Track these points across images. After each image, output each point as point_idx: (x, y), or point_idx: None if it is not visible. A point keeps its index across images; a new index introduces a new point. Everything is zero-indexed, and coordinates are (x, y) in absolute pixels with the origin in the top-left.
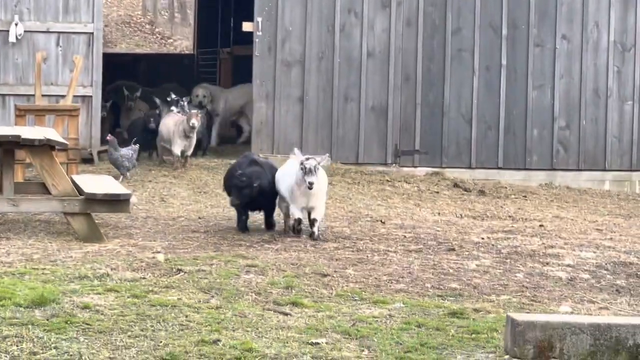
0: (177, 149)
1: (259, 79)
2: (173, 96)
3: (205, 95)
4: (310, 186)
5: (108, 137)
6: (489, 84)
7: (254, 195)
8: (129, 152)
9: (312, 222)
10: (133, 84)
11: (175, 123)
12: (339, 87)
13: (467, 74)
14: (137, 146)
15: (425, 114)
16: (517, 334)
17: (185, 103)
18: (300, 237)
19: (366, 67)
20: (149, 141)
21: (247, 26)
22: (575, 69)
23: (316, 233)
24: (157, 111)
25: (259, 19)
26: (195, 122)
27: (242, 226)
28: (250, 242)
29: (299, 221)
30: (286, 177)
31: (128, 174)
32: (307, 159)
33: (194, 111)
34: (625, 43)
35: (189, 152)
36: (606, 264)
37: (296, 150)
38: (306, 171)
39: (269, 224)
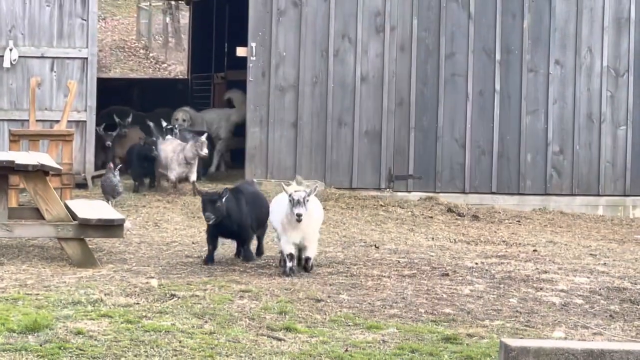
0: (173, 176)
1: (253, 103)
2: (167, 125)
3: (185, 119)
4: (298, 218)
5: (109, 165)
6: (483, 108)
7: (220, 216)
8: (118, 179)
9: (305, 260)
10: (126, 109)
11: (173, 150)
12: (332, 112)
13: (461, 98)
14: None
15: (419, 138)
16: (511, 359)
17: (178, 131)
18: (292, 277)
19: (360, 92)
20: (147, 168)
21: (241, 51)
22: (568, 94)
23: (309, 270)
24: (155, 138)
25: (253, 44)
26: (206, 151)
27: (208, 257)
28: (244, 267)
29: (290, 257)
30: (279, 208)
31: (115, 200)
32: (296, 190)
33: (203, 140)
34: (619, 68)
35: (194, 178)
36: (600, 289)
37: (298, 177)
38: (294, 202)
39: (242, 252)
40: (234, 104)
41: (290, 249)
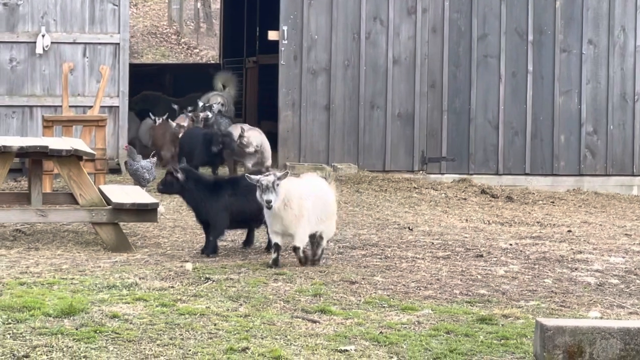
0: (249, 162)
1: (285, 87)
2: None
3: (223, 104)
4: (268, 205)
5: (125, 147)
6: (516, 89)
7: (168, 190)
8: (148, 164)
9: (293, 250)
10: (158, 94)
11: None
12: (365, 95)
13: (493, 80)
14: (155, 159)
15: (451, 120)
16: (547, 339)
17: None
18: (277, 268)
19: (392, 75)
20: (214, 157)
21: (272, 35)
22: (602, 74)
23: (301, 260)
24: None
25: (285, 28)
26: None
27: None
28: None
29: (275, 247)
30: None
31: (146, 187)
32: (267, 175)
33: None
34: None
35: (269, 163)
36: (635, 269)
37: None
38: (263, 188)
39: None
40: (226, 86)
41: (275, 238)
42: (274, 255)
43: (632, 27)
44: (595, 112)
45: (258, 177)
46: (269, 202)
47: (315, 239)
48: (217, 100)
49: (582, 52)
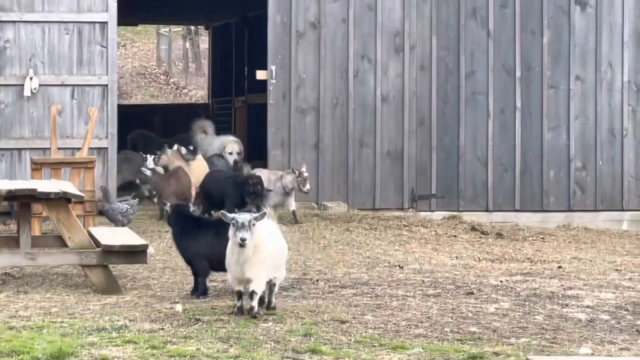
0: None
1: (274, 126)
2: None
3: (240, 152)
4: (242, 243)
5: (100, 187)
6: (504, 126)
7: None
8: (123, 206)
9: (250, 295)
10: (151, 134)
11: (268, 179)
12: (353, 133)
13: (482, 116)
14: (135, 201)
15: (441, 157)
16: None
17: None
18: (241, 317)
19: (381, 112)
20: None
21: (260, 74)
22: (590, 110)
23: (255, 309)
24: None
25: (273, 67)
26: (308, 187)
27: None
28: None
29: (238, 295)
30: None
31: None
32: (242, 213)
33: (306, 174)
34: (639, 82)
35: (293, 207)
36: (626, 304)
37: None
38: (238, 226)
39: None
40: (206, 132)
41: (236, 285)
42: (238, 304)
43: (618, 62)
44: (584, 147)
45: (233, 215)
46: (243, 240)
47: (269, 286)
48: (234, 148)
49: (569, 88)
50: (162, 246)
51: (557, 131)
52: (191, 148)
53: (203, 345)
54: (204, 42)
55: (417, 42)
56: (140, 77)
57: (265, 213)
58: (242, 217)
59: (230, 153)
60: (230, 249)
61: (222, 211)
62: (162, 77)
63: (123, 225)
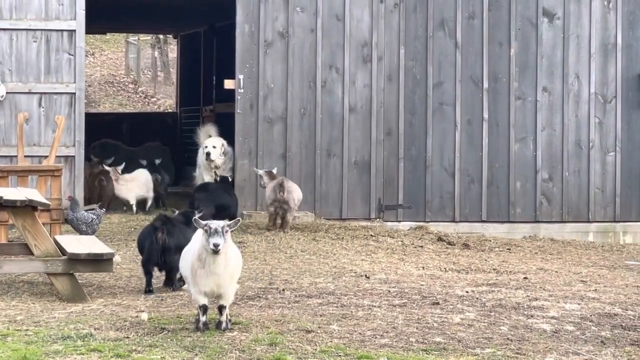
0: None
1: (242, 136)
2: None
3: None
4: (215, 249)
5: (67, 197)
6: (471, 137)
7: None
8: (89, 215)
9: (219, 309)
10: (118, 143)
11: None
12: (321, 143)
13: (449, 127)
14: (102, 211)
15: (408, 168)
16: None
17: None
18: (204, 333)
19: (348, 122)
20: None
21: (228, 84)
22: (556, 121)
23: (224, 324)
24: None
25: (241, 77)
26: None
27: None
28: (233, 299)
29: (202, 309)
30: (189, 253)
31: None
32: (214, 221)
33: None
34: (606, 94)
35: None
36: (591, 315)
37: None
38: (211, 232)
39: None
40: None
41: (202, 299)
42: (203, 319)
43: (585, 74)
44: (551, 159)
45: (206, 221)
46: (216, 245)
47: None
48: (210, 142)
49: (537, 100)
50: (128, 255)
51: (524, 142)
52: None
53: (168, 354)
54: (172, 50)
55: (385, 52)
56: (109, 86)
57: (239, 221)
58: (216, 223)
59: (205, 146)
60: (199, 258)
61: (195, 217)
62: (130, 85)
63: (87, 233)
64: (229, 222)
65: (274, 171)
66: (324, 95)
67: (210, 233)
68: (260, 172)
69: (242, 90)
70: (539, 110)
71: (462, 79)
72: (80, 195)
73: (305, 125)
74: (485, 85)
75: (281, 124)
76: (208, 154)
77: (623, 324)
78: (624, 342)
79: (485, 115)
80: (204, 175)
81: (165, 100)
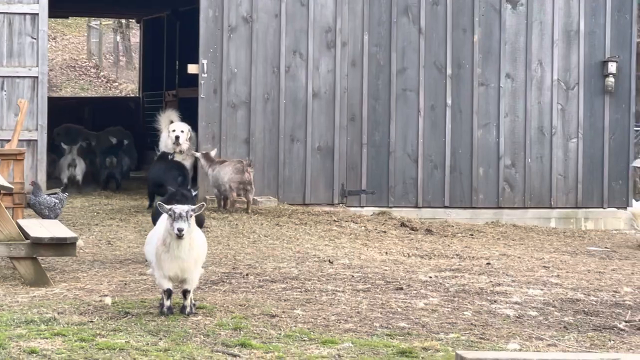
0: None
1: (205, 121)
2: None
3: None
4: (179, 234)
5: (30, 182)
6: (435, 123)
7: None
8: (51, 200)
9: (184, 294)
10: (80, 127)
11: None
12: (284, 128)
13: (413, 113)
14: (65, 195)
15: (371, 153)
16: None
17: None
18: (168, 317)
19: (312, 108)
20: None
21: (192, 68)
22: (519, 108)
23: (188, 308)
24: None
25: (204, 61)
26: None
27: None
28: (198, 283)
29: (167, 294)
30: (154, 237)
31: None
32: (178, 205)
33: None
34: (569, 81)
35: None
36: (553, 301)
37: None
38: (175, 217)
39: None
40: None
41: (166, 284)
42: (168, 303)
43: (548, 61)
44: (514, 145)
45: (170, 205)
46: (180, 230)
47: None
48: (178, 127)
49: (500, 86)
50: (91, 239)
51: (487, 129)
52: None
53: (132, 338)
54: (134, 35)
55: (349, 38)
56: (71, 70)
57: (203, 205)
58: (180, 207)
59: (173, 130)
60: (163, 243)
61: (158, 202)
62: (92, 70)
63: (50, 218)
64: (193, 207)
65: (212, 154)
66: (287, 80)
67: (174, 218)
68: (198, 154)
69: (205, 75)
70: (502, 97)
71: (426, 65)
72: (42, 179)
73: (268, 110)
74: (449, 71)
75: (245, 109)
76: (177, 138)
77: (585, 310)
78: (586, 328)
79: (449, 102)
80: None
81: (127, 84)
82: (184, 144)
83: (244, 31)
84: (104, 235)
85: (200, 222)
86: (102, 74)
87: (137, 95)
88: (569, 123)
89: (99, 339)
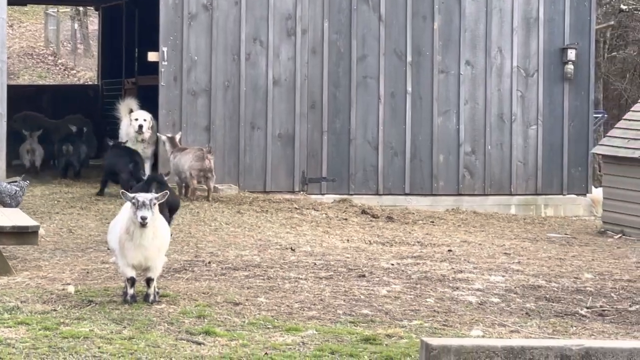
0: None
1: (165, 108)
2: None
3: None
4: (142, 222)
5: None
6: (395, 110)
7: None
8: (12, 188)
9: (147, 282)
10: (40, 116)
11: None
12: (245, 116)
13: (373, 100)
14: (25, 182)
15: (332, 141)
16: (432, 358)
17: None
18: (131, 305)
19: (272, 96)
20: None
21: (152, 56)
22: (479, 95)
23: (152, 296)
24: None
25: (164, 49)
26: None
27: None
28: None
29: (131, 282)
30: (117, 225)
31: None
32: (142, 193)
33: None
34: (528, 68)
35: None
36: (515, 287)
37: None
38: (138, 205)
39: None
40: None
41: (130, 272)
42: (131, 291)
43: (508, 48)
44: (474, 132)
45: (134, 194)
46: (144, 218)
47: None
48: (141, 115)
49: (460, 73)
50: (52, 227)
51: (447, 116)
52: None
53: (96, 327)
54: (92, 23)
55: (309, 25)
56: (28, 58)
57: (167, 193)
58: (144, 196)
59: (136, 119)
60: (127, 231)
61: (122, 190)
62: (50, 57)
63: (10, 205)
64: (156, 195)
65: (177, 137)
66: (248, 68)
67: (138, 206)
68: (163, 137)
69: (166, 63)
70: (462, 84)
71: (386, 53)
72: (2, 166)
73: (229, 98)
74: (409, 58)
75: (205, 96)
76: (140, 127)
77: (547, 296)
78: (548, 314)
79: (409, 89)
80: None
81: (86, 72)
82: (147, 133)
83: (204, 18)
84: (65, 224)
85: (175, 207)
86: (59, 61)
87: (96, 83)
88: (528, 110)
89: (62, 327)
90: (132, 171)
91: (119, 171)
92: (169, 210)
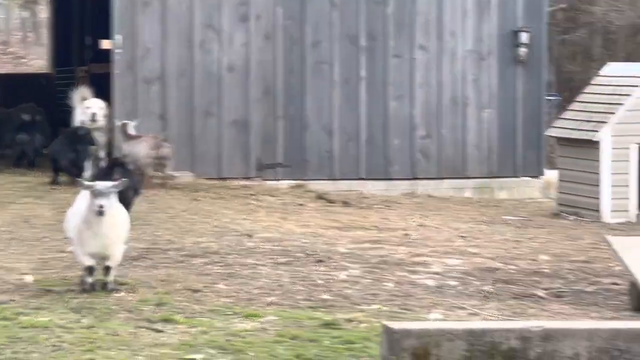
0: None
1: (119, 96)
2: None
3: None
4: (100, 210)
5: None
6: (349, 95)
7: None
8: None
9: (106, 270)
10: None
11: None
12: (199, 103)
13: (327, 86)
14: None
15: (286, 127)
16: (394, 342)
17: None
18: (90, 294)
19: (226, 82)
20: None
21: (105, 44)
22: (433, 79)
23: (111, 284)
24: None
25: (118, 37)
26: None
27: None
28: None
29: (89, 270)
30: (75, 214)
31: None
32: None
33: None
34: (482, 51)
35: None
36: (473, 270)
37: None
38: (96, 193)
39: None
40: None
41: (88, 261)
42: (90, 280)
43: (460, 32)
44: (428, 116)
45: (92, 182)
46: (101, 207)
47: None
48: (93, 103)
49: (413, 57)
50: (7, 217)
51: (401, 100)
52: None
53: (56, 316)
54: (42, 11)
55: (263, 11)
56: None
57: (125, 181)
58: (102, 184)
59: (89, 107)
60: (85, 220)
61: (79, 179)
62: None
63: None
64: (115, 183)
65: (132, 125)
66: (201, 54)
67: (95, 194)
68: (118, 124)
69: (119, 51)
70: (416, 68)
71: (340, 38)
72: None
73: (183, 85)
74: (363, 43)
75: (159, 84)
76: (94, 115)
77: (505, 278)
78: (506, 296)
79: (363, 74)
80: None
81: (37, 61)
82: (100, 121)
83: (158, 5)
84: (20, 213)
85: (139, 189)
86: (9, 50)
87: (48, 72)
88: (482, 93)
89: (22, 317)
90: (73, 159)
91: (60, 159)
92: (134, 191)
